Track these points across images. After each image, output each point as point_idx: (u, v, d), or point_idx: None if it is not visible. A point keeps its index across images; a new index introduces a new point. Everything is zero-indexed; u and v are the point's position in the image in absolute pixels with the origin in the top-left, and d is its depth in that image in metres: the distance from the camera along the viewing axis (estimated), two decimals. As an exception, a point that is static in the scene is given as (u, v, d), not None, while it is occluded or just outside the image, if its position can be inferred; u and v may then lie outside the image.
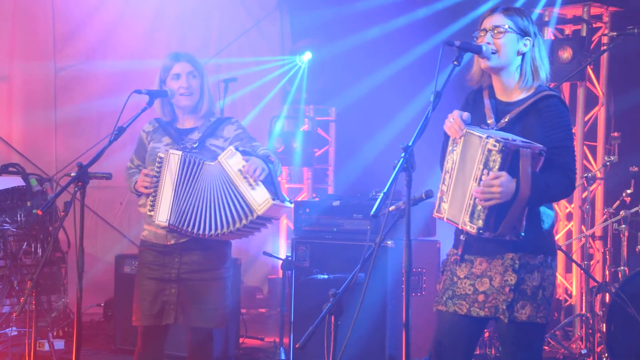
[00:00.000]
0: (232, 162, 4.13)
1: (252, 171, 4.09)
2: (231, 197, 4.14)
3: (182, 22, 8.86)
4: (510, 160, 3.35)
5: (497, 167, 3.35)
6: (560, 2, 7.52)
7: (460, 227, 3.48)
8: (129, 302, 4.45)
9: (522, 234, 3.42)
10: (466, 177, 3.44)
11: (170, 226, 4.19)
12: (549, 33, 7.72)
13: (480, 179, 3.38)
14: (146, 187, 4.25)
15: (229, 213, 4.15)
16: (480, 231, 3.39)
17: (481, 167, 3.38)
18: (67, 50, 8.13)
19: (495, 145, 3.34)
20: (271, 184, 4.16)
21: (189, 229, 4.16)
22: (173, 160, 4.18)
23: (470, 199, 3.41)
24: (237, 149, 4.16)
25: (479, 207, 3.39)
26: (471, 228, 3.42)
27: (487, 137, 3.36)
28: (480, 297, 3.53)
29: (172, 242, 4.27)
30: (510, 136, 3.41)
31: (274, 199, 4.10)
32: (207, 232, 4.16)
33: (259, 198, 4.10)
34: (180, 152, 4.18)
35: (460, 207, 3.45)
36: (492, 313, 3.51)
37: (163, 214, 4.18)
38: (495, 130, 3.51)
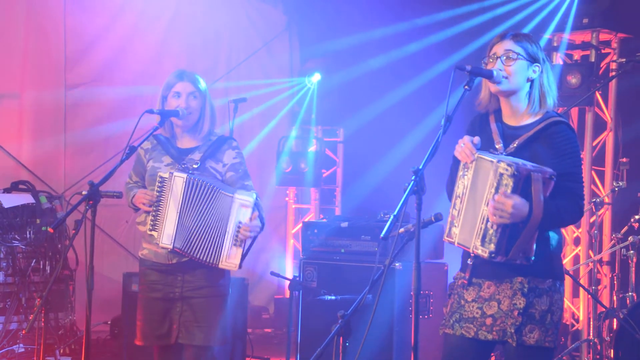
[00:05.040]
0: (242, 211, 4.16)
1: (245, 235, 4.15)
2: (217, 233, 4.19)
3: (191, 43, 8.91)
4: (522, 185, 3.36)
5: (509, 191, 3.36)
6: (570, 28, 7.55)
7: (471, 251, 3.49)
8: (137, 320, 4.46)
9: (532, 258, 3.43)
10: (477, 202, 3.45)
11: (175, 249, 4.20)
12: (558, 58, 7.75)
13: (492, 203, 3.39)
14: (144, 204, 4.28)
15: (212, 245, 4.21)
16: (492, 255, 3.40)
17: (493, 191, 3.39)
18: (77, 70, 8.18)
19: (507, 169, 3.36)
20: (246, 250, 4.23)
21: (195, 254, 4.19)
22: (178, 183, 4.18)
23: (482, 223, 3.42)
24: (256, 205, 4.17)
25: (491, 231, 3.40)
26: (483, 252, 3.42)
27: (499, 161, 3.38)
28: (488, 321, 3.53)
29: (174, 261, 4.28)
30: (520, 161, 3.43)
31: (239, 267, 4.20)
32: (206, 258, 4.20)
33: (230, 257, 4.18)
34: (185, 175, 4.18)
35: (472, 231, 3.46)
36: (500, 336, 3.51)
37: (167, 237, 4.19)
38: (505, 155, 3.52)
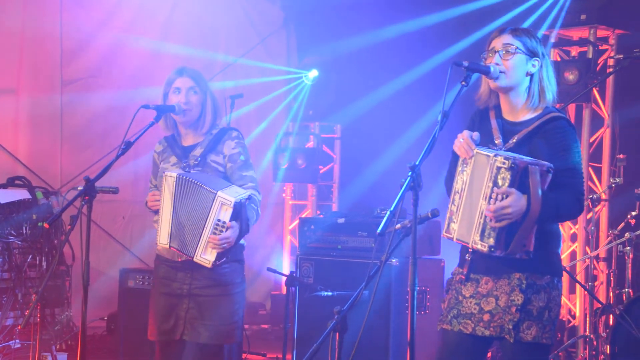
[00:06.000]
0: (223, 209, 4.09)
1: (220, 240, 4.10)
2: (198, 227, 4.15)
3: (188, 39, 8.90)
4: (519, 178, 3.36)
5: (506, 184, 3.36)
6: (567, 24, 7.55)
7: (470, 246, 3.48)
8: (133, 316, 4.47)
9: (532, 252, 3.42)
10: (475, 197, 3.45)
11: (171, 248, 4.21)
12: (555, 54, 7.75)
13: (490, 197, 3.38)
14: (155, 206, 4.32)
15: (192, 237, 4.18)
16: (492, 249, 3.40)
17: (490, 184, 3.39)
18: (74, 65, 8.16)
19: (504, 163, 3.35)
20: (225, 252, 4.17)
21: (183, 249, 4.18)
22: (169, 182, 4.19)
23: (480, 218, 3.41)
24: (235, 204, 4.09)
25: (489, 226, 3.39)
26: (482, 247, 3.42)
27: (496, 155, 3.38)
28: (486, 317, 3.53)
29: (183, 258, 4.28)
30: (517, 155, 3.42)
31: (213, 264, 4.13)
32: (186, 251, 4.19)
33: (205, 252, 4.13)
34: (175, 174, 4.18)
35: (470, 226, 3.45)
36: (497, 333, 3.51)
37: (164, 237, 4.21)
38: (504, 150, 3.52)
